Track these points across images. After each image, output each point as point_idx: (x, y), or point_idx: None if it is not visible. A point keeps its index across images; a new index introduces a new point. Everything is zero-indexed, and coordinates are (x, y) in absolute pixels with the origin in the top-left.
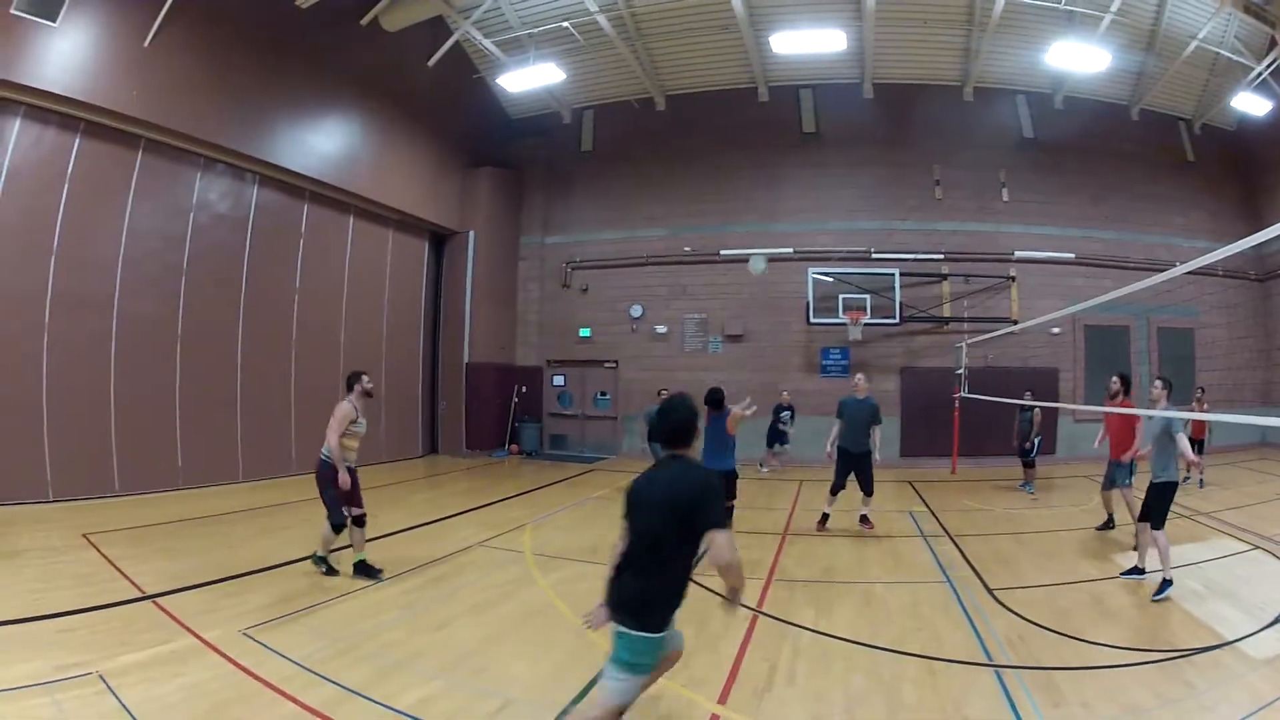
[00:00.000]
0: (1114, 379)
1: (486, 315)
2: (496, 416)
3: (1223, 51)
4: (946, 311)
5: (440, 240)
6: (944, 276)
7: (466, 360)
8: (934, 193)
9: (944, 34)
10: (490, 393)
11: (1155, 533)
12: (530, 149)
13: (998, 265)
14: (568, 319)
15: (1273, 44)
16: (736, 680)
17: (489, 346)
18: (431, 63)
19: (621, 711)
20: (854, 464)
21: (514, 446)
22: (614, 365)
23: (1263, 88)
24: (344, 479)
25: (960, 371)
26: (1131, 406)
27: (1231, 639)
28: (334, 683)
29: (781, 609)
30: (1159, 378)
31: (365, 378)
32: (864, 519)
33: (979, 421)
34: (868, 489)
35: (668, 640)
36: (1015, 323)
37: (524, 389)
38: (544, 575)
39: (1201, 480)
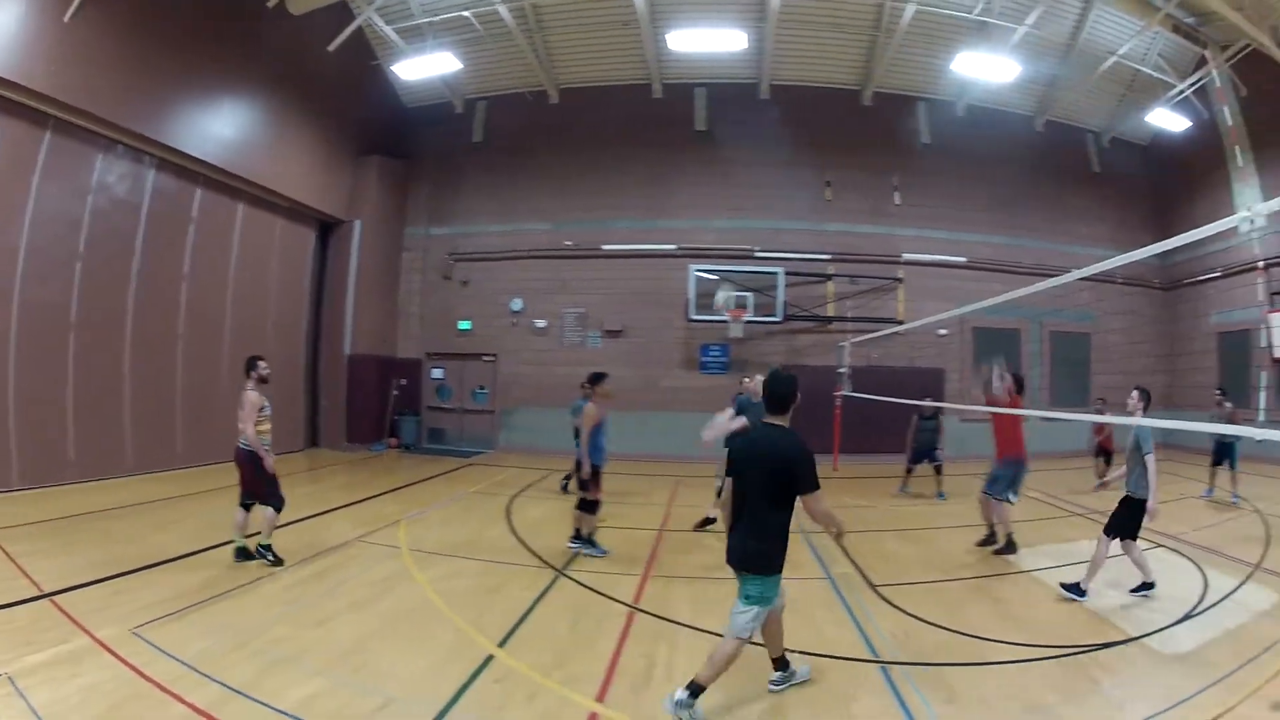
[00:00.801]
0: (1001, 373)
1: (369, 307)
2: (376, 409)
3: (1143, 68)
4: (831, 311)
5: (327, 229)
6: (829, 277)
7: (348, 352)
8: (824, 194)
9: (848, 39)
10: (371, 386)
11: (1127, 543)
12: (421, 139)
13: (886, 267)
14: (448, 312)
15: (1201, 63)
16: (614, 677)
17: (371, 338)
18: (333, 48)
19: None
20: None
21: (393, 440)
22: (493, 359)
23: (1183, 105)
24: (270, 462)
25: (843, 370)
26: (1020, 405)
27: (1138, 635)
28: (219, 682)
29: (658, 605)
30: (1137, 388)
31: (262, 363)
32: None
33: (861, 420)
34: None
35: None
36: (901, 323)
37: (404, 382)
38: (421, 571)
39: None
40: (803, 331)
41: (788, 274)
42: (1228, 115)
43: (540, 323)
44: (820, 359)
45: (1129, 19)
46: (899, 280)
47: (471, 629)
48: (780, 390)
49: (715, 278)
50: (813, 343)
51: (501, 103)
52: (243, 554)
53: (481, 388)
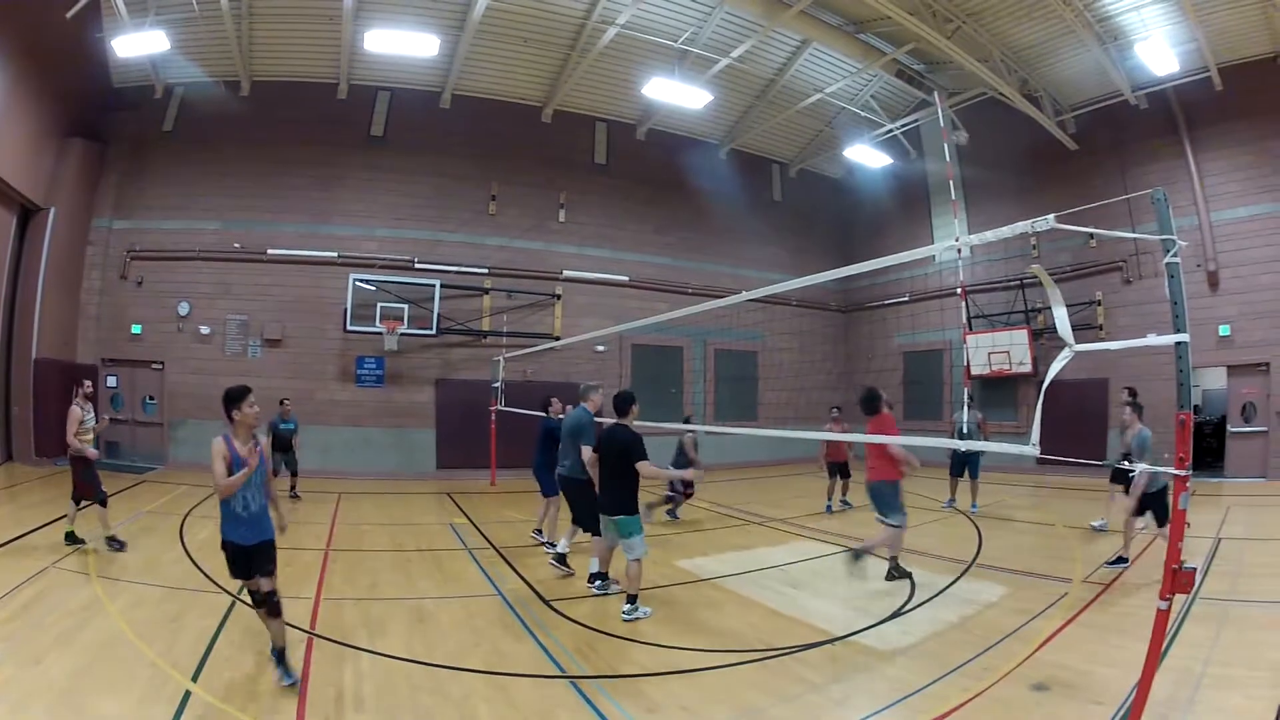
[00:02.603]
0: (874, 392)
1: (54, 305)
2: (62, 419)
3: (850, 106)
4: (486, 325)
5: (26, 216)
6: (486, 291)
7: (34, 356)
8: (488, 208)
9: (542, 55)
10: (56, 394)
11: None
12: (119, 123)
13: (545, 283)
14: (122, 313)
15: (919, 106)
16: (306, 709)
17: (55, 341)
18: (70, 14)
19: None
20: (573, 491)
21: None
22: (160, 367)
23: (888, 143)
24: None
25: (498, 385)
26: (892, 422)
27: (843, 635)
28: None
29: (335, 630)
30: (1127, 402)
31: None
32: (601, 576)
33: (516, 434)
34: (586, 521)
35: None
36: (558, 339)
37: (87, 388)
38: (111, 601)
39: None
40: (458, 345)
41: (444, 286)
42: (947, 154)
43: (205, 329)
44: (475, 373)
45: (846, 60)
46: (557, 296)
47: (164, 662)
48: (620, 403)
49: (373, 288)
50: (468, 356)
51: (197, 90)
52: (71, 538)
53: (151, 398)
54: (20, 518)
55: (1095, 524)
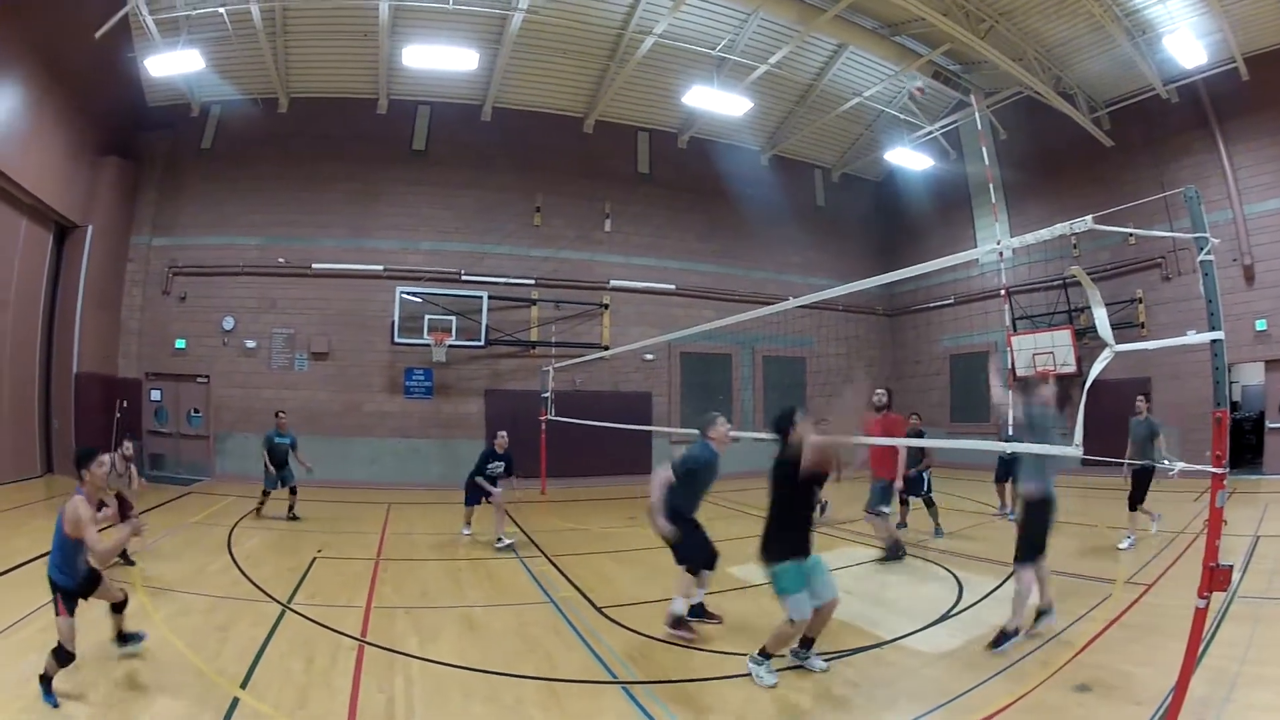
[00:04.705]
0: (880, 391)
1: (95, 321)
2: (105, 433)
3: (889, 109)
4: (534, 336)
5: (63, 234)
6: (533, 302)
7: (75, 370)
8: (533, 219)
9: (581, 66)
10: (98, 407)
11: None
12: (155, 141)
13: (592, 292)
14: (165, 328)
15: (958, 106)
16: (356, 717)
17: (96, 356)
18: (99, 34)
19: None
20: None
21: None
22: (206, 380)
23: (928, 145)
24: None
25: (547, 395)
26: (897, 422)
27: (891, 638)
28: None
29: (386, 637)
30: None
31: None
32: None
33: (566, 444)
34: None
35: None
36: (606, 348)
37: (125, 403)
38: (156, 610)
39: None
40: (506, 356)
41: (492, 298)
42: (985, 156)
43: (250, 343)
44: (524, 383)
45: (882, 63)
46: (605, 306)
47: (212, 671)
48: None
49: (420, 300)
50: (516, 367)
51: (234, 108)
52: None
53: (196, 411)
54: None
55: (1123, 545)
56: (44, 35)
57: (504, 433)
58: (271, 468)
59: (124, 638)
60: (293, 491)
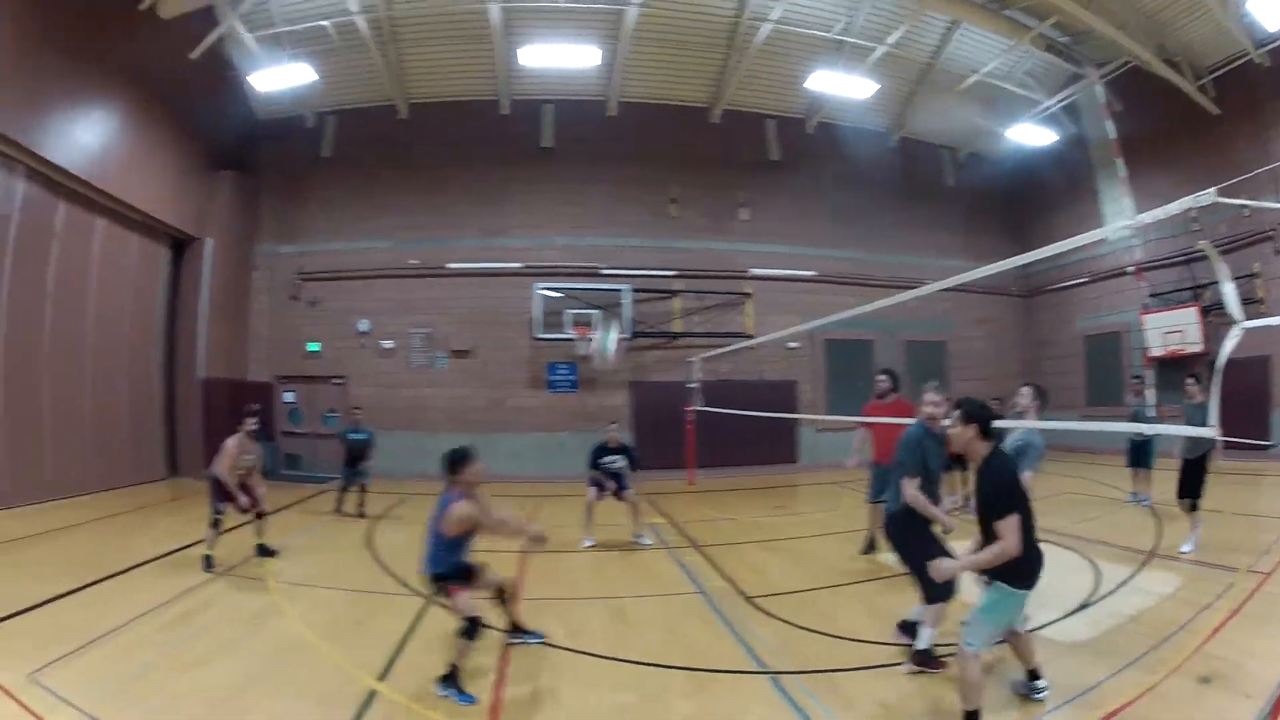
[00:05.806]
0: (882, 377)
1: (221, 328)
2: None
3: (1006, 85)
4: (678, 327)
5: (180, 247)
6: (675, 293)
7: (202, 376)
8: (669, 210)
9: (701, 56)
10: (226, 411)
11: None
12: (272, 152)
13: (732, 282)
14: (297, 332)
15: (1072, 79)
16: (503, 706)
17: (223, 361)
18: (195, 55)
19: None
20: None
21: None
22: (342, 381)
23: (1049, 120)
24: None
25: (693, 385)
26: (907, 408)
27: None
28: None
29: (533, 628)
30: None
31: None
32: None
33: (713, 434)
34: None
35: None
36: (750, 337)
37: (257, 407)
38: (291, 605)
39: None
40: (651, 348)
41: (634, 290)
42: (1107, 129)
43: (387, 343)
44: (669, 375)
45: (996, 38)
46: (747, 295)
47: (349, 664)
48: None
49: (560, 295)
50: (661, 358)
51: (351, 117)
52: (263, 550)
53: (332, 411)
54: (182, 531)
55: (1185, 549)
56: (137, 58)
57: (615, 424)
58: (360, 464)
59: (518, 632)
60: (363, 489)
